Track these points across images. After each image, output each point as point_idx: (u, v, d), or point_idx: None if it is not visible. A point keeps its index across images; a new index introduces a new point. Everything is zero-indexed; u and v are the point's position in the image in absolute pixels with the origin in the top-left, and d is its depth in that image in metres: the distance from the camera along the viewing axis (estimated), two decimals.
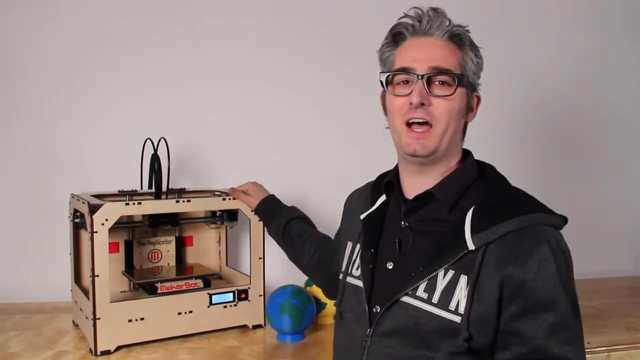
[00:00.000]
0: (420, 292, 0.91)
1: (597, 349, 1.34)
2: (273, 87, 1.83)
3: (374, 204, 1.07)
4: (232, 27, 1.80)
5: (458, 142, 0.99)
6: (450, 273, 0.89)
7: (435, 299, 0.89)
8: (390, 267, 0.97)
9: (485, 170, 1.00)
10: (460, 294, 0.87)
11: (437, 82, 0.93)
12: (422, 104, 0.92)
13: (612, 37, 2.07)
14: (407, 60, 0.95)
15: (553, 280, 0.85)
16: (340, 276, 1.08)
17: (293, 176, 1.82)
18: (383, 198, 1.06)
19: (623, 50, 2.09)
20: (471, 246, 0.87)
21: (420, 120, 0.93)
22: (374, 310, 0.96)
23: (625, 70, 2.10)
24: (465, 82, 0.95)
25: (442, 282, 0.89)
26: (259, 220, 1.46)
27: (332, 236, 1.31)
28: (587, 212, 2.01)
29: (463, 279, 0.88)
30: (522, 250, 0.86)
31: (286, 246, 1.40)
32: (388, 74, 0.97)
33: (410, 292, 0.91)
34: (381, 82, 0.99)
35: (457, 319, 0.87)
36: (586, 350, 1.29)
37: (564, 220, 0.91)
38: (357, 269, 1.03)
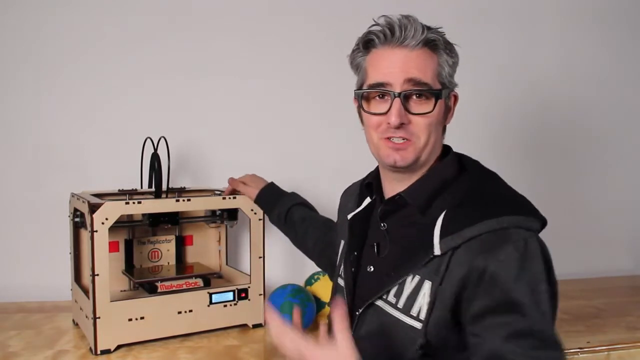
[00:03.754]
0: (391, 296, 0.90)
1: (597, 348, 1.34)
2: (273, 86, 1.83)
3: (361, 203, 1.06)
4: (231, 25, 1.80)
5: (437, 148, 0.96)
6: (417, 278, 0.88)
7: (400, 304, 0.89)
8: (370, 271, 0.97)
9: (467, 168, 0.96)
10: (423, 300, 0.86)
11: (414, 96, 0.90)
12: (402, 124, 0.89)
13: (611, 37, 2.07)
14: (381, 74, 0.91)
15: (515, 282, 0.80)
16: (335, 274, 1.09)
17: (293, 175, 1.81)
18: (369, 199, 1.05)
19: (622, 50, 2.09)
20: (437, 251, 0.85)
21: (400, 140, 0.91)
22: (356, 313, 0.96)
23: (624, 70, 2.09)
24: (443, 94, 0.92)
25: (408, 287, 0.88)
26: (257, 217, 1.46)
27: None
28: (586, 212, 2.01)
29: (427, 285, 0.86)
30: (484, 252, 0.82)
31: (289, 233, 1.40)
32: (363, 91, 0.94)
33: (383, 297, 0.91)
34: (356, 98, 0.96)
35: (418, 325, 0.86)
36: (586, 349, 1.32)
37: (541, 222, 0.88)
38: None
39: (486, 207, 0.87)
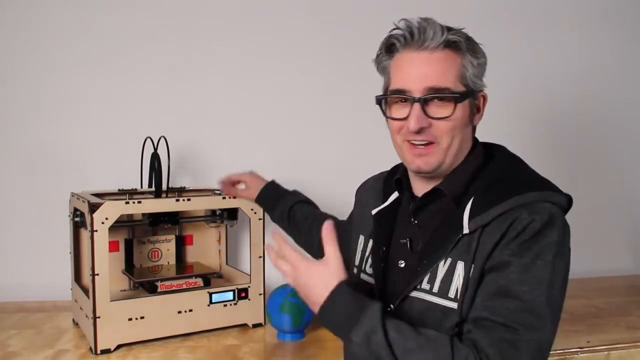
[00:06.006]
0: (425, 283, 0.90)
1: (597, 348, 1.34)
2: (273, 86, 1.83)
3: (386, 198, 1.06)
4: (231, 26, 1.80)
5: (465, 150, 0.96)
6: (449, 260, 0.88)
7: (436, 289, 0.89)
8: (402, 266, 0.97)
9: (495, 154, 0.98)
10: (459, 281, 0.87)
11: (435, 100, 0.90)
12: (422, 128, 0.90)
13: (613, 37, 2.07)
14: (401, 80, 0.91)
15: (523, 247, 0.82)
16: (355, 270, 1.08)
17: (294, 174, 1.81)
18: (396, 194, 1.05)
19: (624, 50, 2.09)
20: (466, 230, 0.87)
21: (422, 143, 0.91)
22: (388, 308, 0.95)
23: (626, 70, 2.09)
24: (465, 96, 0.91)
25: (442, 271, 0.89)
26: (257, 216, 1.46)
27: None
28: (587, 211, 2.01)
29: (460, 265, 0.87)
30: (510, 221, 0.84)
31: (292, 231, 1.40)
32: (382, 96, 0.95)
33: (417, 286, 0.91)
34: (377, 104, 0.96)
35: (454, 305, 0.87)
36: (586, 348, 1.32)
37: (567, 199, 0.89)
38: (369, 266, 1.03)
39: (511, 186, 0.89)
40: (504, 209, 0.85)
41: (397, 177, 1.03)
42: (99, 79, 1.74)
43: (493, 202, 0.86)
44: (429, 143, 0.91)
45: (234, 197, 1.46)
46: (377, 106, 0.98)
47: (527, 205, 0.85)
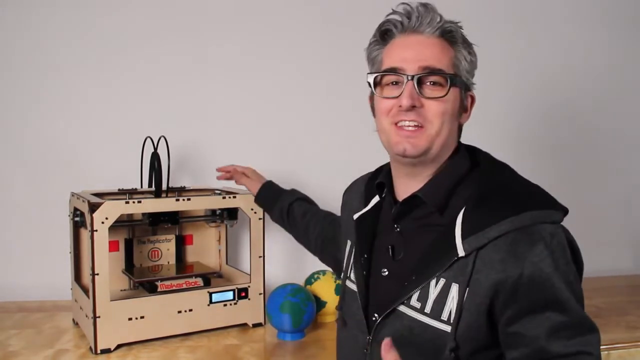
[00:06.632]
0: (414, 301, 0.87)
1: None
2: (273, 86, 1.83)
3: (368, 202, 1.03)
4: (231, 26, 1.80)
5: (451, 145, 0.93)
6: (442, 281, 0.85)
7: (427, 309, 0.86)
8: (385, 274, 0.94)
9: (480, 161, 0.94)
10: (452, 304, 0.84)
11: (428, 83, 0.88)
12: (413, 107, 0.87)
13: (614, 37, 2.07)
14: (396, 60, 0.89)
15: (551, 280, 0.80)
16: (342, 276, 1.07)
17: (294, 174, 1.81)
18: (377, 199, 1.02)
19: (625, 50, 2.09)
20: (461, 252, 0.83)
21: (411, 124, 0.88)
22: (373, 318, 0.93)
23: (626, 70, 2.09)
24: (458, 81, 0.89)
25: (434, 291, 0.86)
26: (257, 216, 1.46)
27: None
28: (587, 211, 2.01)
29: (454, 288, 0.84)
30: (514, 254, 0.81)
31: (291, 229, 1.40)
32: (376, 74, 0.92)
33: (405, 301, 0.88)
34: (369, 83, 0.93)
35: (448, 328, 0.84)
36: None
37: (563, 211, 0.86)
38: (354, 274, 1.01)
39: (506, 202, 0.85)
40: (501, 232, 0.81)
41: (378, 181, 1.00)
42: (99, 78, 1.74)
43: (487, 221, 0.83)
44: (418, 127, 0.88)
45: (234, 195, 1.46)
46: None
47: (525, 229, 0.82)
